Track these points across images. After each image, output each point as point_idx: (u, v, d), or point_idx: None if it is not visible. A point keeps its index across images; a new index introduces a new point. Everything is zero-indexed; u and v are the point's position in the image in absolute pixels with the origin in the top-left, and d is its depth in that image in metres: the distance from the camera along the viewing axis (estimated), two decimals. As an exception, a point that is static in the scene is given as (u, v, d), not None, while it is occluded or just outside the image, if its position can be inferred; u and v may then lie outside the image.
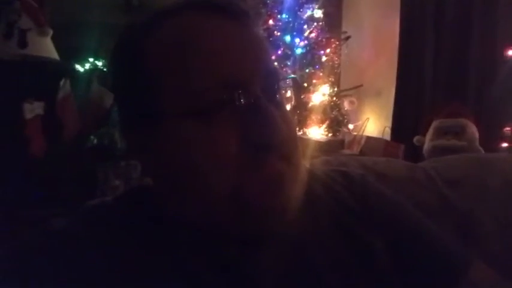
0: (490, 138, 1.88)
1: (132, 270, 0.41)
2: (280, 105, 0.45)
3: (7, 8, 1.70)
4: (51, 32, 1.81)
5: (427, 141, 1.83)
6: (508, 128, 1.93)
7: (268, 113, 0.41)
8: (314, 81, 2.22)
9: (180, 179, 0.42)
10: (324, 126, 2.19)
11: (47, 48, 1.81)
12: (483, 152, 1.74)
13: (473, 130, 1.79)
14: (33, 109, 1.69)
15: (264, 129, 0.40)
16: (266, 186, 0.41)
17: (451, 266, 0.48)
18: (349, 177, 0.52)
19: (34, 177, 1.57)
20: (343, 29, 2.54)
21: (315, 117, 2.17)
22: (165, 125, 0.42)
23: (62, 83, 1.81)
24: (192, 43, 0.41)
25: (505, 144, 1.90)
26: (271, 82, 0.45)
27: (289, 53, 2.16)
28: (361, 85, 2.40)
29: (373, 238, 0.46)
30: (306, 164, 0.52)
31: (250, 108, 0.41)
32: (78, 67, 2.01)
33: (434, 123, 1.83)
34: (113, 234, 0.43)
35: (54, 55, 1.84)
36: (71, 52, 1.95)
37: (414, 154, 1.90)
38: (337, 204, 0.49)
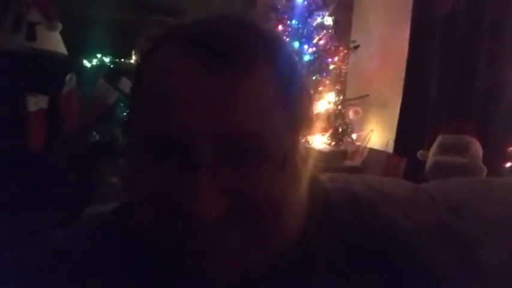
0: (494, 157, 1.87)
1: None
2: (249, 171, 0.37)
3: (17, 0, 1.70)
4: (60, 26, 1.82)
5: (430, 157, 1.82)
6: (512, 148, 1.92)
7: (199, 187, 0.34)
8: (320, 88, 2.21)
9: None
10: (327, 134, 2.19)
11: (55, 42, 1.81)
12: (485, 170, 1.73)
13: (477, 148, 1.77)
14: (37, 102, 1.69)
15: (190, 205, 0.35)
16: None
17: None
18: (357, 200, 0.50)
19: (32, 172, 1.56)
20: (352, 37, 2.53)
21: (319, 125, 2.16)
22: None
23: (68, 77, 1.81)
24: (158, 83, 0.38)
25: (509, 164, 1.89)
26: (238, 144, 0.36)
27: (297, 59, 2.15)
28: (368, 95, 2.39)
29: (379, 267, 0.45)
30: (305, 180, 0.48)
31: (185, 173, 0.35)
32: (86, 62, 2.01)
33: (438, 139, 1.82)
34: (114, 250, 0.43)
35: (62, 49, 1.84)
36: (79, 47, 1.94)
37: (416, 169, 1.89)
38: (341, 229, 0.47)
